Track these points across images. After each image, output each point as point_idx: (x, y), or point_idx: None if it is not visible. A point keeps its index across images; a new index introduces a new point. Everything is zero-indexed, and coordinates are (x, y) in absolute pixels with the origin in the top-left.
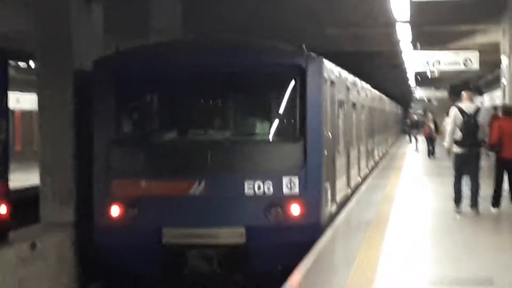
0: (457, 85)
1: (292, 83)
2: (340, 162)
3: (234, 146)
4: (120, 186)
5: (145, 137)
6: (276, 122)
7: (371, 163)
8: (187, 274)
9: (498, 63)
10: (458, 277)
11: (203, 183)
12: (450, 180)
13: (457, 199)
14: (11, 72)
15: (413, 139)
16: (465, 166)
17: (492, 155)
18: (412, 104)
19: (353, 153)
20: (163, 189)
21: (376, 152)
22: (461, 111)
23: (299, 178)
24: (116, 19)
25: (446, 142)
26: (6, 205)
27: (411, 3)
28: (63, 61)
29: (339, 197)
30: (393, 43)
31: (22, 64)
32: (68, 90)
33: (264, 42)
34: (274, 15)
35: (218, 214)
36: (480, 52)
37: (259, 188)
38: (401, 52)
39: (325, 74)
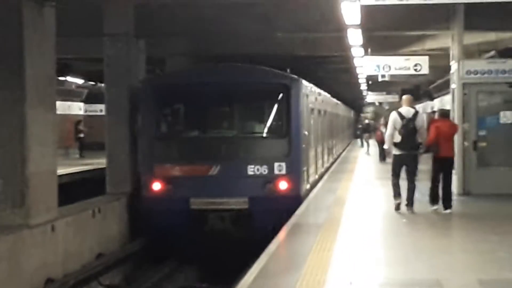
0: (408, 89)
1: (280, 96)
2: (312, 154)
3: (240, 140)
4: (160, 168)
5: (176, 134)
6: (269, 123)
7: (331, 159)
8: (207, 230)
9: (447, 68)
10: (408, 279)
11: (218, 167)
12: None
13: (396, 195)
14: None
15: (364, 143)
16: (402, 167)
17: (428, 157)
18: (364, 108)
19: (319, 149)
20: (189, 171)
21: (334, 150)
22: (400, 115)
23: (285, 163)
24: (70, 22)
25: (386, 145)
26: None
27: (362, 8)
28: (17, 65)
29: (311, 179)
30: (345, 48)
31: None
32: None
33: (261, 67)
34: (227, 19)
35: (229, 188)
36: (430, 57)
37: (257, 170)
38: (352, 57)
39: (303, 90)
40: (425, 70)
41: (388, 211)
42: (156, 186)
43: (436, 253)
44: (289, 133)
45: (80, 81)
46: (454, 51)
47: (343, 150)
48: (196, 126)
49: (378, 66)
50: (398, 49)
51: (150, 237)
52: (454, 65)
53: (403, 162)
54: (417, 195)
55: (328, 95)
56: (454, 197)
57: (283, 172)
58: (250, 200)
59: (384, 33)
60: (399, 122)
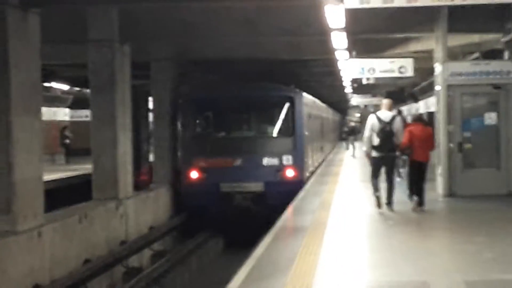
0: (394, 92)
1: (287, 105)
2: (310, 150)
3: (257, 139)
4: (196, 161)
5: (209, 135)
6: (278, 126)
7: (323, 156)
8: (234, 207)
9: (432, 70)
10: (395, 281)
11: (240, 159)
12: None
13: (375, 190)
14: None
15: (350, 145)
16: (381, 168)
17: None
18: (349, 111)
19: (315, 146)
20: (219, 162)
21: (324, 149)
22: (378, 118)
23: (291, 156)
24: (55, 28)
25: (364, 147)
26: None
27: (346, 11)
28: (2, 72)
29: (310, 169)
30: (329, 51)
31: None
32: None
33: (272, 84)
34: (211, 24)
35: (249, 175)
36: (414, 59)
37: (270, 161)
38: (337, 60)
39: (303, 100)
40: (409, 72)
41: (374, 214)
42: (194, 174)
43: (422, 255)
44: (294, 133)
45: (65, 87)
46: (438, 53)
47: (329, 153)
48: (224, 129)
49: (362, 69)
50: (383, 52)
51: (188, 214)
52: (438, 67)
53: (382, 164)
54: (400, 196)
55: (319, 101)
56: (440, 198)
57: (290, 163)
58: (265, 184)
59: (369, 35)
60: (377, 125)
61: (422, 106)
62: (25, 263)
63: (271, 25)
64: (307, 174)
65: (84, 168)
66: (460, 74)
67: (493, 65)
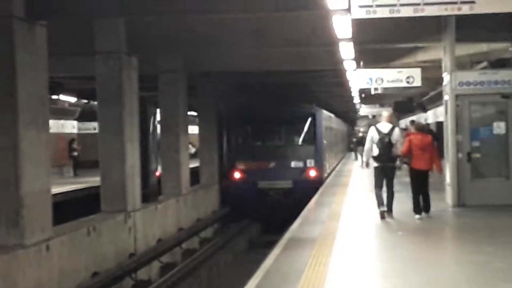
0: (402, 102)
1: (310, 120)
2: (327, 155)
3: (286, 147)
4: (239, 164)
5: (249, 143)
6: (303, 136)
7: (336, 162)
8: (268, 200)
9: (440, 80)
10: None
11: (274, 163)
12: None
13: (380, 204)
14: None
15: (358, 156)
16: (382, 177)
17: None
18: (357, 121)
19: (331, 153)
20: (257, 165)
21: (337, 156)
22: (378, 130)
23: (313, 160)
24: (62, 40)
25: (364, 157)
26: None
27: (353, 21)
28: (9, 86)
29: (328, 171)
30: (337, 61)
31: None
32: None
33: (298, 103)
34: (218, 35)
35: (281, 175)
36: (422, 69)
37: (297, 164)
38: (345, 70)
39: (323, 116)
40: (417, 82)
41: (383, 224)
42: (237, 175)
43: (432, 265)
44: (315, 142)
45: (73, 99)
46: (446, 62)
47: (341, 158)
48: (261, 138)
49: (370, 79)
50: (390, 62)
51: (232, 207)
52: (446, 77)
53: (382, 173)
54: (408, 206)
55: (334, 116)
56: (449, 208)
57: (312, 165)
58: (293, 182)
59: (376, 46)
60: (376, 137)
61: (431, 116)
62: (33, 276)
63: (279, 36)
64: (325, 175)
65: (93, 180)
66: (468, 84)
67: (501, 74)
